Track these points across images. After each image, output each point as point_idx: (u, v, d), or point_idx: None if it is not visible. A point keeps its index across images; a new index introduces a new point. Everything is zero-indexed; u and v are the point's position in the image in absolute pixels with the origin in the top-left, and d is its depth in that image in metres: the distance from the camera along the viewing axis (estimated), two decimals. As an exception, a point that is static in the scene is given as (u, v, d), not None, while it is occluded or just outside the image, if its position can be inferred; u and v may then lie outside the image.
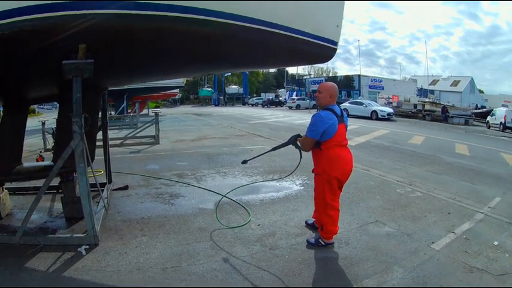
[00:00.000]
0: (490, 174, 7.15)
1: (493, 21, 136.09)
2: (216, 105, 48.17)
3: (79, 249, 3.18)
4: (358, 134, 13.29)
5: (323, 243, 3.32)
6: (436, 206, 4.78)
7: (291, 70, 63.74)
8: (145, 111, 26.06)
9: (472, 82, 53.15)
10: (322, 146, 3.12)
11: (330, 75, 61.54)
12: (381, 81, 45.45)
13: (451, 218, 4.36)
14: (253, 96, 52.72)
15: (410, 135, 13.93)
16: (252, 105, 45.94)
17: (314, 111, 24.91)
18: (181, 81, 22.26)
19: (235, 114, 25.72)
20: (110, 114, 19.59)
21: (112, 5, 2.80)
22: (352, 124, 17.42)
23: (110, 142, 9.94)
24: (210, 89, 53.94)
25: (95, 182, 4.66)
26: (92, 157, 4.14)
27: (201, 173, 6.34)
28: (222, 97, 52.03)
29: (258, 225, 3.89)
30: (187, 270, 2.86)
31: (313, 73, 70.03)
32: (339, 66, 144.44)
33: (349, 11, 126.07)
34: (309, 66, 68.41)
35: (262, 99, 47.27)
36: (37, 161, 5.79)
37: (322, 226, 3.30)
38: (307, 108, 33.86)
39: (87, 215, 3.26)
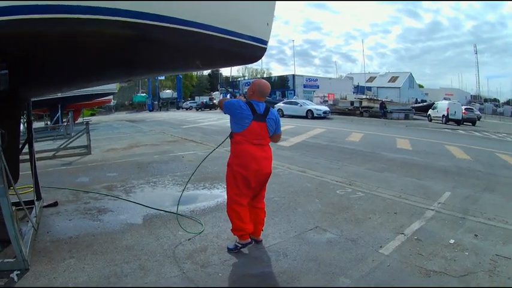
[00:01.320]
0: (437, 168, 7.17)
1: (434, 18, 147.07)
2: (150, 111, 48.05)
3: (11, 275, 3.20)
4: (294, 134, 13.50)
5: (240, 245, 3.44)
6: (381, 206, 4.63)
7: (225, 72, 64.17)
8: (80, 119, 24.80)
9: (411, 77, 56.91)
10: (232, 139, 3.41)
11: (265, 76, 62.76)
12: (316, 80, 47.95)
13: (399, 218, 4.18)
14: (188, 100, 52.69)
15: (348, 133, 14.06)
16: (186, 109, 46.18)
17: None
18: (113, 87, 21.66)
19: (169, 119, 25.38)
20: (46, 124, 18.55)
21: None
22: (287, 124, 18.50)
23: (42, 154, 9.79)
24: (144, 95, 53.34)
25: (21, 201, 4.70)
26: (16, 174, 4.25)
27: (130, 184, 6.40)
28: (156, 102, 51.15)
29: (188, 239, 3.81)
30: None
31: (247, 75, 71.18)
32: (273, 67, 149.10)
33: (283, 12, 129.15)
34: (243, 67, 69.46)
35: (196, 102, 47.49)
36: None
37: (231, 224, 3.47)
38: None
39: (14, 239, 3.31)
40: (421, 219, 4.12)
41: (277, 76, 52.30)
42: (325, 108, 26.21)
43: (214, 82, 67.39)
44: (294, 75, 47.99)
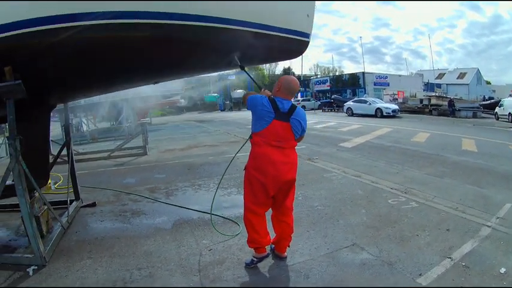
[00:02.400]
0: (499, 174, 6.67)
1: (495, 11, 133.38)
2: (222, 111, 49.71)
3: (28, 269, 3.44)
4: (358, 134, 13.12)
5: (256, 259, 3.21)
6: (433, 221, 4.21)
7: (297, 71, 63.86)
8: (147, 119, 26.44)
9: (478, 73, 54.06)
10: (252, 139, 3.13)
11: (337, 74, 61.45)
12: (386, 77, 46.21)
13: (450, 236, 3.76)
14: None
15: (414, 133, 13.67)
16: None
17: (320, 112, 24.88)
18: (179, 88, 22.72)
19: (237, 119, 25.91)
20: (112, 124, 20.06)
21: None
22: (354, 123, 17.69)
23: (98, 155, 10.47)
24: (215, 95, 55.52)
25: (58, 200, 5.09)
26: (46, 175, 4.56)
27: (174, 187, 6.44)
28: (227, 102, 52.32)
29: (210, 250, 3.67)
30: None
31: (319, 73, 70.16)
32: (345, 65, 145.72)
33: (350, 8, 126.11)
34: (316, 66, 68.76)
35: None
36: None
37: (247, 234, 3.23)
38: (312, 109, 33.73)
39: (31, 236, 3.52)
40: (474, 239, 3.66)
41: (348, 74, 50.61)
42: (394, 106, 25.50)
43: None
44: (363, 73, 46.05)
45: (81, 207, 5.44)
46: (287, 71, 61.70)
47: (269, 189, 3.02)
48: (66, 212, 4.80)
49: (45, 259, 3.57)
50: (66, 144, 5.40)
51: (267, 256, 3.27)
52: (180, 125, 24.49)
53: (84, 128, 20.95)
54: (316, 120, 21.12)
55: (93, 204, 5.55)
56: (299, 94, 46.09)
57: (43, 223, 4.21)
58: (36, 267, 3.47)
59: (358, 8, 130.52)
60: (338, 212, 4.57)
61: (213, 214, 4.32)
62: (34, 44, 2.89)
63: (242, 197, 3.24)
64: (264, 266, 3.25)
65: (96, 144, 13.36)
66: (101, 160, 10.25)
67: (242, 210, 3.27)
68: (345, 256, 3.40)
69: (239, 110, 49.14)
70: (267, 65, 66.05)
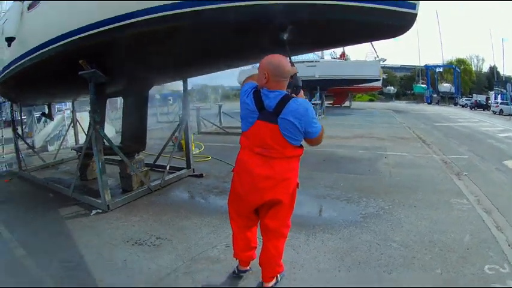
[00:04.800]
0: None
1: None
2: (428, 103, 47.39)
3: (93, 210, 4.67)
4: None
5: (236, 270, 2.93)
6: None
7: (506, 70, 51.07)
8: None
9: None
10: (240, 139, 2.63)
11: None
12: None
13: None
14: (465, 97, 48.24)
15: None
16: (462, 106, 43.71)
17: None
18: (377, 73, 21.85)
19: (432, 115, 23.84)
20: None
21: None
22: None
23: None
24: (424, 86, 51.41)
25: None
26: (143, 143, 5.73)
27: None
28: (435, 95, 49.61)
29: (227, 246, 3.44)
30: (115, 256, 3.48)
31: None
32: None
33: None
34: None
35: (470, 100, 43.87)
36: (173, 141, 7.23)
37: None
38: (510, 115, 25.81)
39: (101, 187, 4.66)
40: None
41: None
42: None
43: (492, 80, 55.10)
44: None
45: (189, 175, 6.40)
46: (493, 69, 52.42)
47: (246, 203, 2.57)
48: (170, 176, 5.92)
49: (109, 207, 4.65)
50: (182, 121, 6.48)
51: (245, 271, 2.94)
52: (374, 112, 24.26)
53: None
54: (502, 128, 17.19)
55: (201, 175, 6.37)
56: (499, 96, 37.01)
57: (134, 181, 5.41)
58: (100, 211, 4.63)
59: None
60: (408, 261, 3.21)
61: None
62: (104, 41, 3.79)
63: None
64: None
65: None
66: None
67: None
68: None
69: (447, 104, 45.76)
70: (475, 60, 58.80)
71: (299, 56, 25.91)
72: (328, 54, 28.51)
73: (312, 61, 22.76)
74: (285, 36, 3.14)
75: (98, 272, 3.13)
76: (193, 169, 6.58)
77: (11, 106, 8.01)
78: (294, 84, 2.52)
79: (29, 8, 4.58)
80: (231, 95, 30.18)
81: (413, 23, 3.19)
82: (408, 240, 3.55)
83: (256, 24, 3.19)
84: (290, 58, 2.86)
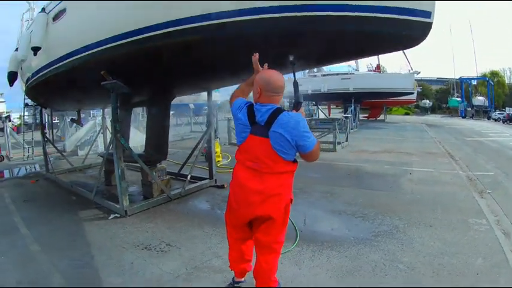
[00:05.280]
0: None
1: None
2: (462, 117, 45.42)
3: (111, 214, 4.98)
4: None
5: (232, 281, 2.96)
6: None
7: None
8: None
9: None
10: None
11: None
12: None
13: None
14: (498, 110, 45.82)
15: None
16: (495, 120, 41.51)
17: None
18: (410, 86, 21.38)
19: (464, 129, 22.87)
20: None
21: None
22: None
23: None
24: (459, 99, 49.86)
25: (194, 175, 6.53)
26: (165, 153, 5.91)
27: (309, 189, 6.33)
28: (469, 109, 47.57)
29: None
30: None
31: None
32: None
33: None
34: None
35: (502, 113, 41.95)
36: (202, 152, 7.74)
37: None
38: None
39: (119, 193, 4.94)
40: None
41: None
42: None
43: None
44: None
45: (211, 186, 6.56)
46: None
47: (239, 216, 2.58)
48: (184, 185, 6.10)
49: (126, 212, 4.91)
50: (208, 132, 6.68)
51: (239, 283, 2.96)
52: (407, 126, 23.63)
53: (321, 115, 23.27)
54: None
55: (222, 186, 6.49)
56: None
57: (154, 189, 5.65)
58: (118, 216, 4.92)
59: None
60: (412, 284, 3.10)
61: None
62: (123, 53, 4.03)
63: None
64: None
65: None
66: None
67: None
68: None
69: (482, 118, 43.29)
70: (507, 72, 56.87)
71: (334, 68, 26.04)
72: (365, 66, 28.36)
73: (346, 73, 22.64)
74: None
75: (104, 272, 3.35)
76: (216, 180, 6.74)
77: (40, 111, 8.54)
78: (295, 100, 2.60)
79: (54, 19, 4.93)
80: None
81: (428, 32, 3.08)
82: (416, 261, 3.45)
83: (266, 37, 3.24)
84: (294, 73, 2.95)
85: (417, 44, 3.34)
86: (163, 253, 3.75)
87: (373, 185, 6.79)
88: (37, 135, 9.64)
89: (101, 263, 3.55)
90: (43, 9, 5.15)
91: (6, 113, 19.54)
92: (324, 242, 3.94)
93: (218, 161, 8.91)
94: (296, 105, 2.60)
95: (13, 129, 16.62)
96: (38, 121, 10.05)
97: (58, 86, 5.58)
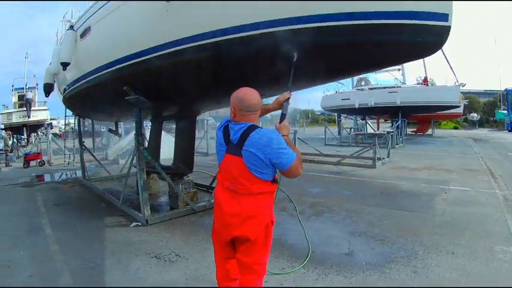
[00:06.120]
0: None
1: None
2: (509, 131, 42.16)
3: (133, 222, 5.33)
4: None
5: None
6: None
7: None
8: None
9: None
10: None
11: None
12: None
13: None
14: None
15: None
16: None
17: None
18: (455, 99, 20.09)
19: (509, 143, 21.16)
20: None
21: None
22: None
23: (330, 159, 11.81)
24: (505, 112, 46.37)
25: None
26: (191, 166, 6.14)
27: (335, 208, 6.21)
28: None
29: None
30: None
31: None
32: None
33: None
34: None
35: None
36: None
37: None
38: None
39: (142, 202, 5.24)
40: None
41: None
42: None
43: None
44: None
45: None
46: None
47: (220, 236, 2.55)
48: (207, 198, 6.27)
49: (147, 221, 5.19)
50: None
51: None
52: (453, 141, 22.28)
53: (370, 129, 22.71)
54: None
55: None
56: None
57: (180, 200, 5.90)
58: (139, 224, 5.24)
59: None
60: None
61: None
62: (144, 69, 4.34)
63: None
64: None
65: (351, 148, 14.37)
66: (329, 165, 11.63)
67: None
68: None
69: None
70: None
71: (381, 81, 25.37)
72: (414, 78, 27.22)
73: (393, 86, 21.98)
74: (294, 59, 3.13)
75: (108, 274, 3.69)
76: None
77: (79, 120, 9.15)
78: (282, 111, 2.62)
79: (81, 36, 5.40)
80: (320, 119, 30.76)
81: (446, 37, 2.88)
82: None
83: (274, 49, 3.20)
84: (290, 84, 2.97)
85: (434, 53, 3.15)
86: (171, 263, 3.92)
87: (404, 204, 6.51)
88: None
89: (109, 266, 3.86)
90: (71, 27, 5.64)
91: (50, 120, 21.43)
92: (333, 265, 3.83)
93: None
94: (281, 117, 2.57)
95: (60, 136, 18.03)
96: (87, 129, 10.74)
97: (89, 98, 6.06)
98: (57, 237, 4.76)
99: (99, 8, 4.87)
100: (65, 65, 5.41)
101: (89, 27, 5.11)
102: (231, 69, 3.90)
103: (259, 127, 2.32)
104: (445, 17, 2.77)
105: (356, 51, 3.21)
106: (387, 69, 23.32)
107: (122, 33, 4.50)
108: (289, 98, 2.74)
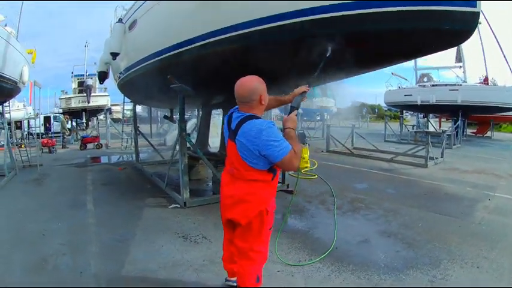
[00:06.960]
0: None
1: None
2: None
3: (173, 204, 5.75)
4: None
5: (225, 280, 3.15)
6: None
7: None
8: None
9: None
10: None
11: None
12: None
13: None
14: None
15: None
16: None
17: None
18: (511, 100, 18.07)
19: None
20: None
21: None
22: None
23: (382, 155, 12.15)
24: None
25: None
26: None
27: (375, 207, 6.14)
28: None
29: None
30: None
31: None
32: None
33: None
34: None
35: None
36: None
37: None
38: None
39: (181, 186, 5.65)
40: None
41: None
42: None
43: None
44: None
45: (281, 190, 6.69)
46: None
47: (221, 216, 2.76)
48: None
49: (186, 204, 5.58)
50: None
51: (230, 282, 3.09)
52: (511, 145, 19.79)
53: (431, 128, 21.58)
54: None
55: (291, 192, 6.61)
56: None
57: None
58: (178, 206, 5.64)
59: None
60: None
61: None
62: (186, 58, 4.55)
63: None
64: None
65: (409, 146, 13.75)
66: (382, 161, 11.46)
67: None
68: None
69: None
70: None
71: (444, 78, 23.58)
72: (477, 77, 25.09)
73: (454, 84, 20.43)
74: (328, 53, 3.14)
75: (133, 248, 4.05)
76: (288, 185, 6.94)
77: (134, 106, 9.71)
78: (291, 104, 2.66)
79: (129, 28, 5.79)
80: (385, 115, 29.97)
81: (476, 24, 2.74)
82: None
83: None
84: (316, 76, 3.07)
85: (463, 41, 3.02)
86: (195, 244, 4.19)
87: (444, 208, 6.17)
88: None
89: (136, 241, 4.24)
90: (120, 20, 6.08)
91: (111, 106, 22.91)
92: (350, 263, 3.79)
93: (306, 167, 8.88)
94: (290, 110, 2.59)
95: (125, 121, 19.29)
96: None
97: (139, 86, 6.50)
98: (97, 213, 5.27)
99: (144, 3, 5.26)
100: (114, 55, 5.91)
101: (135, 20, 5.50)
102: (268, 60, 3.82)
103: (254, 118, 2.32)
104: (473, 3, 2.64)
105: (384, 40, 3.09)
106: (448, 66, 22.33)
107: (164, 25, 4.79)
108: (305, 92, 2.72)
